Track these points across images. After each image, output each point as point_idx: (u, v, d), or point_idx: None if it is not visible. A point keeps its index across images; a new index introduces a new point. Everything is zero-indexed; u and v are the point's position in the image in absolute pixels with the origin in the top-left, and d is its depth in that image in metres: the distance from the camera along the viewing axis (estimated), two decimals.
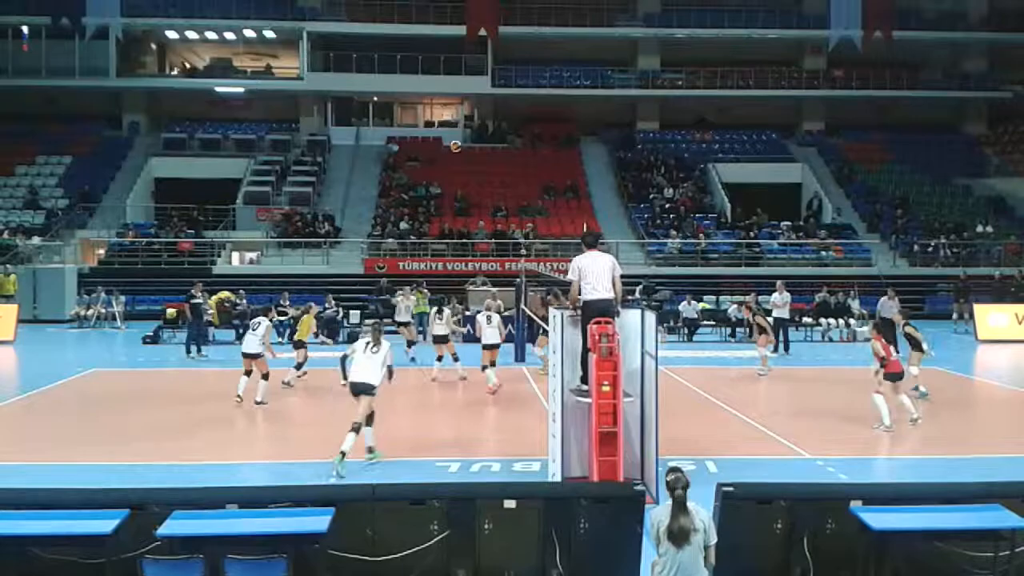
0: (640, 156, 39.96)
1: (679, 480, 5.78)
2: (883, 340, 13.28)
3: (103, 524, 6.00)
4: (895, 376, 13.21)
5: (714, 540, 5.75)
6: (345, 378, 11.16)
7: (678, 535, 5.66)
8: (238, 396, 15.02)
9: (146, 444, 12.33)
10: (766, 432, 12.86)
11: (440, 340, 17.83)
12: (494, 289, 25.45)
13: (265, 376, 15.15)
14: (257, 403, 14.97)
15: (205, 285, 23.12)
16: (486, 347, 16.64)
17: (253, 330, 15.29)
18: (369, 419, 11.08)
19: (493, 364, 16.54)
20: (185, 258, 32.59)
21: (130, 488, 7.45)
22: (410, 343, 20.47)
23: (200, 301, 21.79)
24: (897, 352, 13.54)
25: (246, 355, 15.21)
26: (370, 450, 11.31)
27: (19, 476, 10.29)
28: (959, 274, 29.48)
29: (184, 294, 23.01)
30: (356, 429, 10.81)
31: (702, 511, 5.80)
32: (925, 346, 15.25)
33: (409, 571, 6.33)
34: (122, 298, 27.62)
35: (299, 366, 17.11)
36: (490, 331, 16.75)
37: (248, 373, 15.23)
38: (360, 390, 10.95)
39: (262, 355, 15.22)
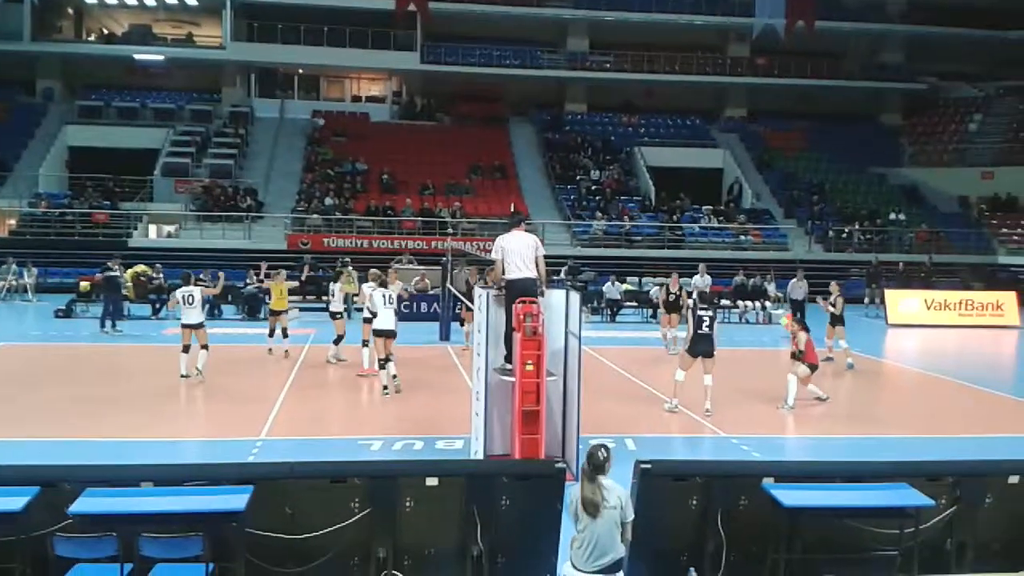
0: (568, 137, 40.14)
1: (592, 455, 5.90)
2: (807, 334, 13.65)
3: (13, 501, 5.83)
4: (815, 367, 13.68)
5: (631, 517, 5.87)
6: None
7: (586, 505, 5.79)
8: (184, 375, 14.87)
9: (58, 420, 12.01)
10: (684, 411, 13.12)
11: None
12: (421, 268, 25.42)
13: (205, 347, 14.98)
14: (197, 371, 14.78)
15: (121, 258, 22.52)
16: (379, 333, 13.96)
17: (189, 303, 15.00)
18: (388, 359, 13.87)
19: (388, 360, 13.91)
20: (100, 230, 31.63)
21: (41, 465, 7.24)
22: (340, 338, 16.89)
23: (116, 274, 21.23)
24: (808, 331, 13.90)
25: (187, 326, 15.01)
26: (384, 388, 13.91)
27: None
28: (871, 260, 30.42)
29: (99, 267, 22.39)
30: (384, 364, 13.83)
31: (619, 488, 5.91)
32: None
33: (329, 549, 6.30)
34: (34, 270, 26.75)
35: (273, 333, 17.12)
36: (386, 313, 14.01)
37: (187, 348, 15.01)
38: (389, 335, 13.88)
39: (203, 325, 15.13)
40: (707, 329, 12.91)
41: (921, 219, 36.58)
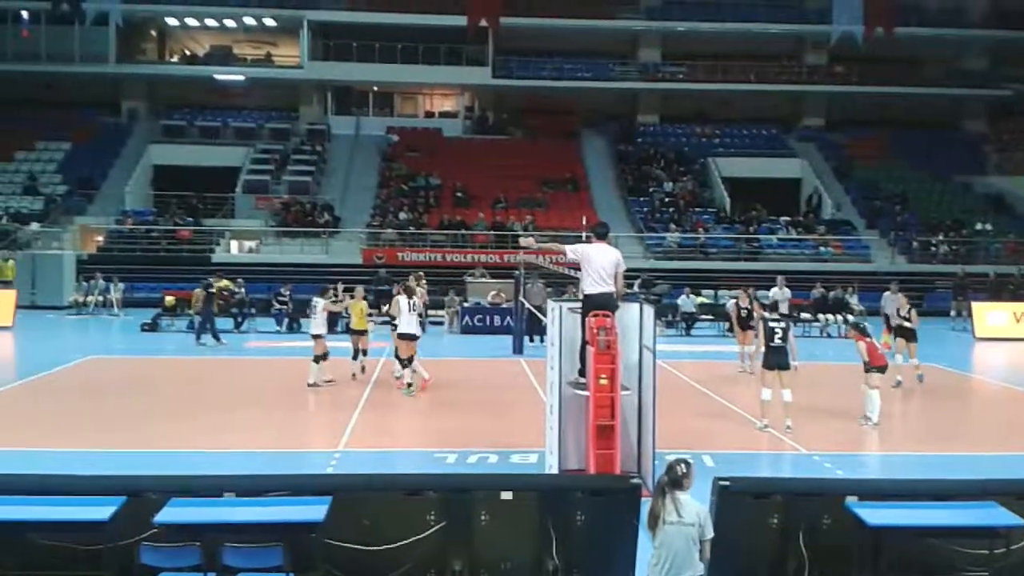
0: (640, 149, 39.92)
1: (670, 468, 5.81)
2: (865, 339, 13.22)
3: (101, 511, 6.00)
4: (882, 368, 13.22)
5: (710, 535, 5.74)
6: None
7: (649, 518, 5.73)
8: (319, 383, 15.59)
9: (144, 431, 12.34)
10: (763, 427, 12.86)
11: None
12: (494, 282, 25.53)
13: (324, 357, 15.66)
14: (309, 386, 15.50)
15: (204, 273, 23.12)
16: (403, 336, 14.91)
17: (312, 314, 15.75)
18: (411, 360, 14.82)
19: (411, 360, 14.94)
20: (184, 246, 32.58)
21: (128, 475, 7.45)
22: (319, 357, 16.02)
23: (214, 291, 21.84)
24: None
25: (315, 336, 15.68)
26: (408, 385, 14.82)
27: (17, 462, 10.29)
28: (957, 271, 29.49)
29: (182, 282, 23.02)
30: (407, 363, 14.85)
31: (697, 504, 5.80)
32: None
33: (405, 561, 6.35)
34: (120, 285, 27.57)
35: (357, 355, 16.74)
36: (408, 318, 14.88)
37: (321, 357, 15.64)
38: (410, 338, 14.80)
39: (322, 335, 15.73)
40: (779, 341, 12.58)
41: (1009, 229, 35.36)
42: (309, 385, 15.64)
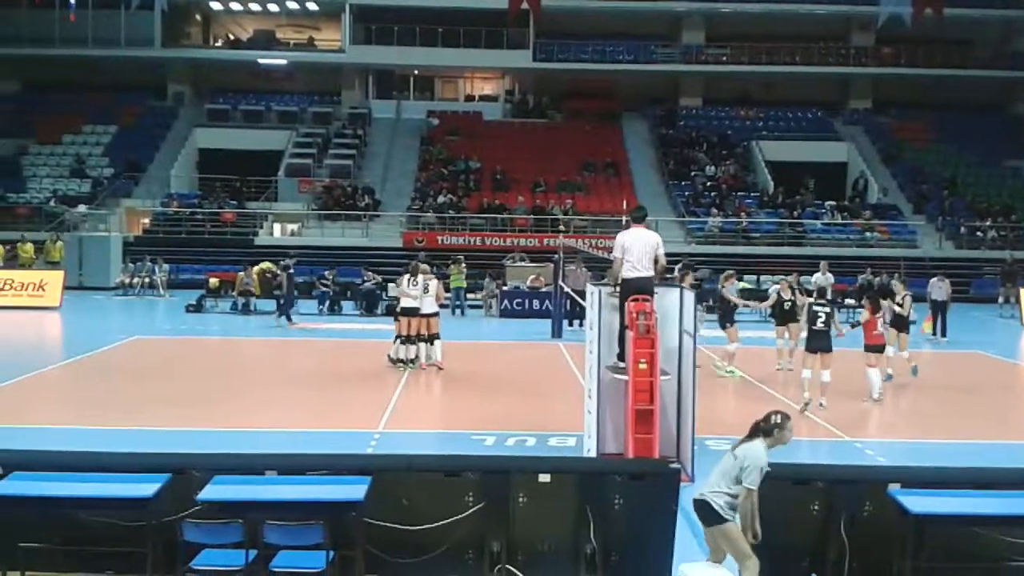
0: (682, 133, 39.54)
1: (766, 416, 6.18)
2: (874, 315, 13.33)
3: (145, 488, 6.11)
4: (876, 348, 13.45)
5: (748, 483, 5.85)
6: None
7: None
8: (418, 363, 15.45)
9: (187, 410, 12.52)
10: (804, 413, 12.75)
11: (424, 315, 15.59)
12: (533, 265, 25.50)
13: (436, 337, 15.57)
14: (429, 364, 15.46)
15: (246, 256, 23.38)
16: (404, 312, 15.36)
17: (426, 291, 15.45)
18: (419, 336, 15.18)
19: (421, 337, 15.27)
20: (228, 229, 32.98)
21: (172, 453, 7.57)
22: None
23: (294, 271, 22.10)
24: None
25: (423, 315, 15.38)
26: (412, 361, 15.28)
27: (63, 439, 10.49)
28: (1006, 257, 28.90)
29: (227, 264, 23.27)
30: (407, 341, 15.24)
31: (757, 452, 5.95)
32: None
33: (443, 541, 6.39)
34: (165, 267, 27.96)
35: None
36: (418, 296, 15.28)
37: (417, 337, 15.39)
38: (411, 313, 15.12)
39: (437, 314, 15.62)
40: (822, 325, 12.65)
41: None
42: (434, 365, 15.64)
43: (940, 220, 33.78)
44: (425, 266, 16.32)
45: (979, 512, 6.15)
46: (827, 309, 12.79)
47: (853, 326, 14.01)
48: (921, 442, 11.98)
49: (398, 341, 15.69)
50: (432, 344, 15.56)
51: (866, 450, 11.01)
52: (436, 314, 15.59)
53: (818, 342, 12.68)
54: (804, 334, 13.01)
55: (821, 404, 12.66)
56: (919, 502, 6.06)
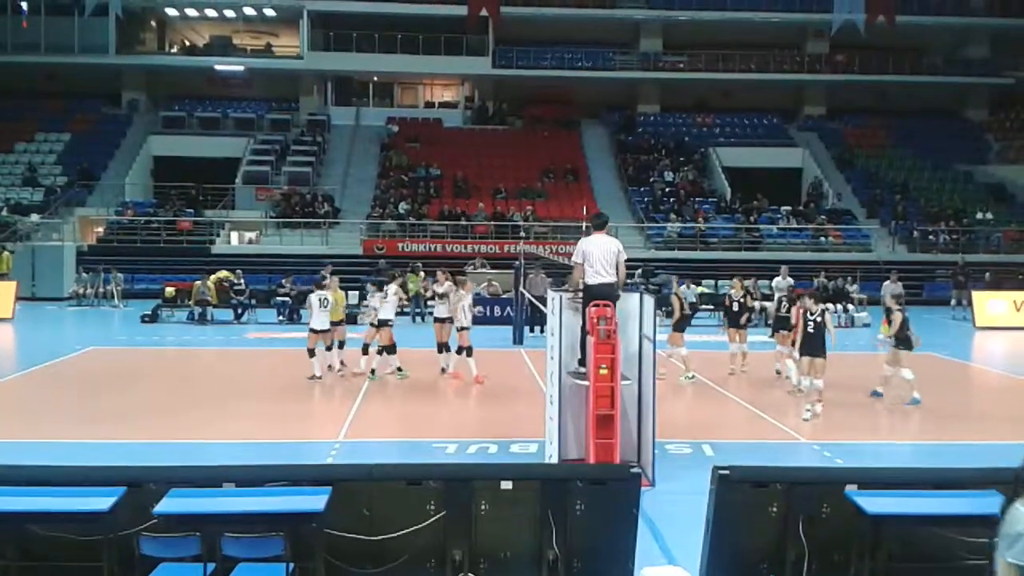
0: (641, 139, 39.86)
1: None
2: (801, 313, 13.03)
3: (100, 501, 5.99)
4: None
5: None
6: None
7: None
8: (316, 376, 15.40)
9: (144, 422, 12.35)
10: (762, 416, 12.88)
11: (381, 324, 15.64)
12: (492, 272, 25.51)
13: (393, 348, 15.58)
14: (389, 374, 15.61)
15: (203, 265, 23.12)
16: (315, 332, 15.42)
17: (385, 296, 15.57)
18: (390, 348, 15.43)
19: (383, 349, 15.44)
20: (184, 237, 32.59)
21: (127, 466, 7.45)
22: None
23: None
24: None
25: (382, 322, 15.47)
26: (399, 369, 15.56)
27: (17, 452, 10.29)
28: (958, 260, 29.45)
29: (183, 273, 22.99)
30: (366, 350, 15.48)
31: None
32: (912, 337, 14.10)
33: (405, 551, 6.34)
34: (120, 276, 27.56)
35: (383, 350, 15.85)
36: (322, 315, 15.38)
37: (391, 348, 15.54)
38: (380, 324, 15.36)
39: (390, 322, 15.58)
40: (812, 329, 12.65)
41: (1009, 218, 35.31)
42: (391, 373, 15.69)
43: (893, 224, 34.37)
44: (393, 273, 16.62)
45: (935, 512, 6.23)
46: (815, 310, 12.71)
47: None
48: (877, 443, 12.15)
49: (384, 353, 15.66)
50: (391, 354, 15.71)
51: (824, 452, 11.14)
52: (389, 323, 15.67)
53: (807, 347, 12.72)
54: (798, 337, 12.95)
55: (816, 414, 12.61)
56: (875, 503, 6.13)
